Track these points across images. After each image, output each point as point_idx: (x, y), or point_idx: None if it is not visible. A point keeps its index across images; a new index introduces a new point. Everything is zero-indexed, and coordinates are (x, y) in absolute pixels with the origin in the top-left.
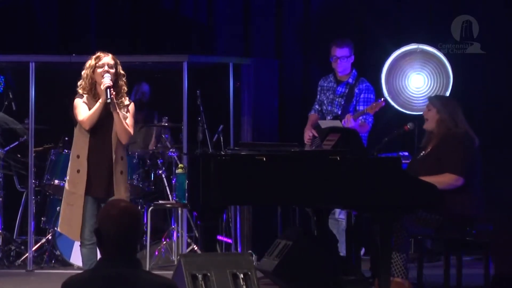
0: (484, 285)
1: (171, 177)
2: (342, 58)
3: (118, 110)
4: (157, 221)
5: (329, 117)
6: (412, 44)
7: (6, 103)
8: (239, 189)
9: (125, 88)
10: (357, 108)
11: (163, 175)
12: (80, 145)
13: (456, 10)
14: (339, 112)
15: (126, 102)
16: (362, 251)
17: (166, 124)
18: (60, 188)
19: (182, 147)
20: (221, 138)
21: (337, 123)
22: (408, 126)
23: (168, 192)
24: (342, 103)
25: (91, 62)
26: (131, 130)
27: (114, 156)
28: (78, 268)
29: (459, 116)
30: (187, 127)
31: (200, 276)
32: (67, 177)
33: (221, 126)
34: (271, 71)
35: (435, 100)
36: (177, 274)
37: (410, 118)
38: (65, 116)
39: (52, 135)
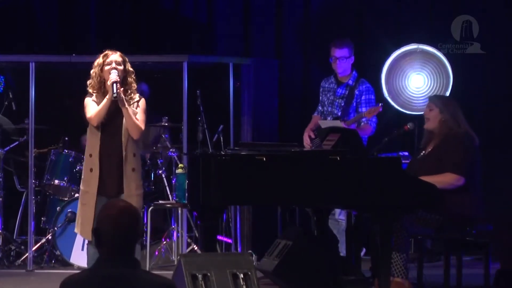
0: (484, 285)
1: (171, 177)
2: (341, 59)
3: (127, 106)
4: (157, 221)
5: (329, 118)
6: (412, 44)
7: (6, 103)
8: (239, 189)
9: (135, 85)
10: (359, 109)
11: (163, 175)
12: (92, 144)
13: (456, 10)
14: (339, 114)
15: (136, 98)
16: (363, 252)
17: (166, 124)
18: (60, 188)
19: (182, 147)
20: (221, 138)
21: (337, 123)
22: (408, 126)
23: (168, 192)
24: (342, 104)
25: (99, 60)
26: (141, 125)
27: (124, 153)
28: (78, 268)
29: (460, 116)
30: (187, 127)
31: (200, 276)
32: (82, 177)
33: (221, 126)
34: (271, 71)
35: (437, 100)
36: (177, 274)
37: (410, 118)
38: (65, 116)
39: (52, 135)
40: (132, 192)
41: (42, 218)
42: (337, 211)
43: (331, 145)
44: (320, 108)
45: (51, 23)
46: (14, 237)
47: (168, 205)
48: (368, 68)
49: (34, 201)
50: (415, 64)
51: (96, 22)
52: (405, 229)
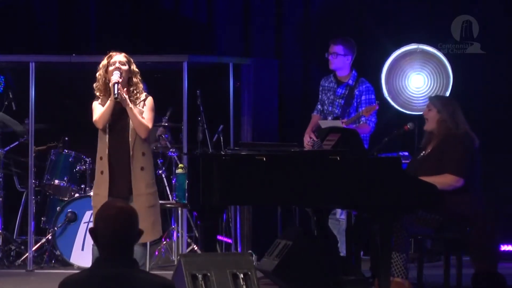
0: None
1: (171, 177)
2: (333, 55)
3: (131, 105)
4: None
5: (329, 118)
6: (412, 44)
7: (6, 103)
8: (239, 189)
9: (141, 85)
10: (359, 110)
11: (163, 175)
12: (101, 146)
13: (456, 10)
14: (339, 113)
15: (142, 97)
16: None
17: (166, 124)
18: (60, 188)
19: (182, 147)
20: (221, 138)
21: (337, 123)
22: (408, 126)
23: (168, 192)
24: (342, 104)
25: (103, 62)
26: (148, 124)
27: (131, 152)
28: (78, 268)
29: (460, 117)
30: (187, 127)
31: (200, 276)
32: (95, 180)
33: (221, 126)
34: (271, 71)
35: (436, 100)
36: (177, 274)
37: (410, 118)
38: (65, 116)
39: (52, 135)
40: (141, 191)
41: (42, 218)
42: (338, 210)
43: (331, 145)
44: (319, 107)
45: (51, 23)
46: (14, 237)
47: (168, 205)
48: (368, 68)
49: (34, 201)
50: (415, 64)
51: (96, 22)
52: (405, 229)
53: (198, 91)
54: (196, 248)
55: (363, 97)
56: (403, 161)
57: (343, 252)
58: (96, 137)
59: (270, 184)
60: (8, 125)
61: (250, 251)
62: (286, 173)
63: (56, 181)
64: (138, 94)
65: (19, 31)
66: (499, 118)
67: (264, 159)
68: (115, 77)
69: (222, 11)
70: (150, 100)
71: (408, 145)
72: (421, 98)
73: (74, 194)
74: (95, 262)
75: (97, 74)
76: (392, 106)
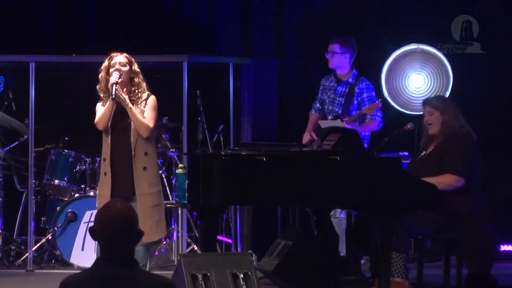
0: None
1: (171, 177)
2: (330, 53)
3: (130, 105)
4: None
5: (330, 117)
6: (412, 44)
7: (6, 103)
8: (239, 189)
9: (144, 85)
10: (362, 107)
11: (163, 175)
12: (105, 148)
13: (456, 10)
14: (340, 112)
15: (144, 96)
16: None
17: (166, 124)
18: (60, 188)
19: (182, 147)
20: (221, 138)
21: (337, 123)
22: (408, 126)
23: (168, 192)
24: (343, 102)
25: (105, 63)
26: (149, 123)
27: (133, 152)
28: (78, 268)
29: (460, 115)
30: (187, 127)
31: (200, 276)
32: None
33: (221, 126)
34: (271, 71)
35: (434, 102)
36: (177, 274)
37: (410, 118)
38: (65, 116)
39: (52, 135)
40: (144, 191)
41: (42, 218)
42: (338, 210)
43: (331, 145)
44: (318, 105)
45: (51, 23)
46: (14, 237)
47: (168, 205)
48: (368, 68)
49: (34, 201)
50: (415, 64)
51: (96, 22)
52: (405, 229)
53: (198, 91)
54: (196, 248)
55: (364, 95)
56: (403, 161)
57: (343, 252)
58: (97, 138)
59: (270, 184)
60: (9, 124)
61: (250, 251)
62: (286, 173)
63: (56, 181)
64: (140, 94)
65: (19, 31)
66: (499, 118)
67: (264, 159)
68: (113, 78)
69: (222, 11)
70: (152, 99)
71: (408, 145)
72: (421, 98)
73: (74, 194)
74: (96, 262)
75: (99, 76)
76: (392, 106)
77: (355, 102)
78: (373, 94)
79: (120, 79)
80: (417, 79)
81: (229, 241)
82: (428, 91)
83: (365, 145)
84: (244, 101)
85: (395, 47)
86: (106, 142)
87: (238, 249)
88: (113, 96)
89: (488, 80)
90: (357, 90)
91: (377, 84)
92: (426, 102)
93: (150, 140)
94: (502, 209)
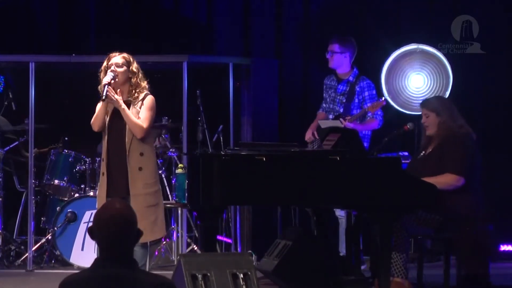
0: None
1: (171, 177)
2: (329, 52)
3: (123, 106)
4: None
5: (330, 115)
6: (412, 44)
7: (6, 103)
8: (239, 189)
9: (142, 85)
10: (363, 106)
11: (163, 175)
12: (103, 148)
13: (456, 10)
14: (341, 110)
15: (141, 96)
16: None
17: (166, 124)
18: (60, 188)
19: (182, 147)
20: (221, 138)
21: (337, 123)
22: (408, 126)
23: (168, 192)
24: (343, 101)
25: (104, 64)
26: (142, 123)
27: (128, 153)
28: (78, 268)
29: (457, 114)
30: (187, 127)
31: (200, 276)
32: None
33: (221, 126)
34: (271, 71)
35: (430, 104)
36: (177, 274)
37: (410, 118)
38: (65, 116)
39: (52, 135)
40: (139, 191)
41: (42, 218)
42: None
43: (331, 145)
44: (324, 105)
45: (51, 23)
46: (14, 237)
47: (168, 205)
48: (368, 68)
49: (34, 201)
50: (415, 64)
51: (96, 22)
52: (405, 229)
53: (198, 91)
54: (196, 248)
55: (366, 93)
56: (403, 161)
57: (343, 252)
58: (97, 138)
59: (270, 184)
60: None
61: (250, 251)
62: (286, 173)
63: (56, 181)
64: (137, 94)
65: (19, 31)
66: (499, 118)
67: (264, 159)
68: (106, 79)
69: (222, 11)
70: (149, 99)
71: (408, 145)
72: (421, 98)
73: (74, 194)
74: (95, 262)
75: (100, 76)
76: (392, 106)
77: (356, 100)
78: (374, 92)
79: (113, 80)
80: (417, 79)
81: (229, 241)
82: (428, 91)
83: (366, 144)
84: (244, 101)
85: (395, 47)
86: (104, 143)
87: (238, 249)
88: (103, 97)
89: (488, 80)
90: (358, 89)
91: (377, 84)
92: (422, 104)
93: (146, 140)
94: (502, 209)
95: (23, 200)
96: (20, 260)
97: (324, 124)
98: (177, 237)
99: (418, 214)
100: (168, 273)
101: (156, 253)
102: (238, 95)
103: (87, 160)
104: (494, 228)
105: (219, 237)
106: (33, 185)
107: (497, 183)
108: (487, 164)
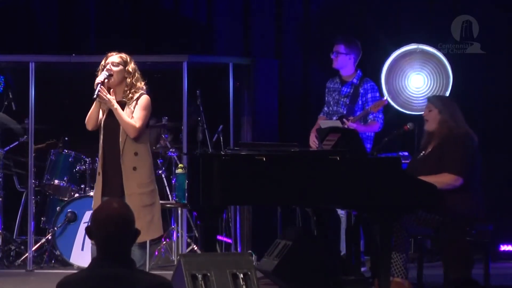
0: (484, 285)
1: (171, 177)
2: (334, 53)
3: (116, 106)
4: None
5: (334, 117)
6: (412, 44)
7: (6, 103)
8: (239, 189)
9: (139, 85)
10: (366, 108)
11: (163, 175)
12: (100, 148)
13: (456, 10)
14: (344, 112)
15: (136, 96)
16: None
17: (166, 124)
18: (60, 188)
19: (182, 147)
20: (221, 138)
21: (337, 123)
22: (408, 126)
23: (168, 192)
24: (347, 102)
25: (102, 63)
26: (135, 123)
27: (121, 152)
28: (78, 268)
29: (459, 116)
30: (187, 127)
31: (200, 276)
32: None
33: (221, 126)
34: (271, 71)
35: (436, 101)
36: (177, 274)
37: (410, 118)
38: (65, 116)
39: (52, 135)
40: (133, 190)
41: (42, 218)
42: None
43: (331, 145)
44: (326, 109)
45: (51, 23)
46: (14, 237)
47: (168, 205)
48: (368, 68)
49: (34, 201)
50: (415, 64)
51: (96, 22)
52: (405, 229)
53: (198, 91)
54: (196, 248)
55: (369, 95)
56: (403, 161)
57: (344, 250)
58: (97, 138)
59: (270, 184)
60: (6, 124)
61: (250, 251)
62: (286, 173)
63: (56, 181)
64: (131, 95)
65: (19, 31)
66: (499, 118)
67: (264, 159)
68: (99, 78)
69: (222, 11)
70: (143, 98)
71: (408, 145)
72: (421, 98)
73: (74, 194)
74: (93, 262)
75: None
76: (392, 106)
77: (360, 102)
78: (377, 94)
79: (107, 80)
80: (417, 79)
81: (229, 241)
82: (428, 91)
83: (369, 145)
84: (244, 101)
85: (395, 47)
86: (100, 142)
87: (238, 249)
88: (94, 96)
89: (488, 80)
90: (361, 91)
91: (377, 84)
92: (429, 98)
93: (140, 140)
94: (502, 209)
95: (23, 200)
96: (20, 260)
97: (325, 124)
98: (177, 237)
99: (418, 214)
100: (168, 273)
101: (156, 253)
102: (238, 95)
103: (87, 160)
104: (494, 228)
105: (219, 237)
106: (33, 185)
107: (497, 183)
108: (487, 164)
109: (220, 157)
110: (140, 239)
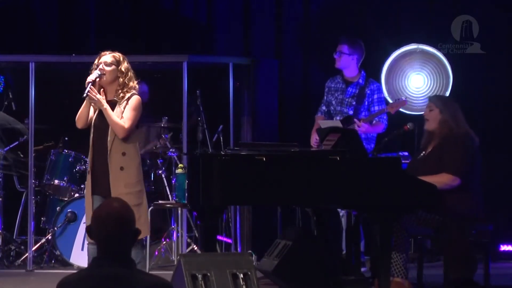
0: (484, 285)
1: (171, 177)
2: (337, 53)
3: (105, 106)
4: (157, 221)
5: (338, 117)
6: (412, 44)
7: (6, 103)
8: (239, 189)
9: (131, 85)
10: (371, 109)
11: (163, 175)
12: (90, 147)
13: (456, 10)
14: (350, 113)
15: (127, 96)
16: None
17: (166, 124)
18: (60, 188)
19: (182, 147)
20: (221, 138)
21: (337, 123)
22: (408, 126)
23: (168, 192)
24: (353, 103)
25: (95, 62)
26: (124, 123)
27: (109, 152)
28: (78, 268)
29: (460, 116)
30: (187, 127)
31: (200, 276)
32: None
33: (221, 126)
34: (271, 71)
35: (437, 100)
36: (177, 274)
37: (410, 118)
38: (65, 116)
39: (52, 135)
40: (120, 191)
41: (42, 218)
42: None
43: (331, 145)
44: (324, 108)
45: (51, 23)
46: (14, 237)
47: (168, 205)
48: (368, 68)
49: (34, 201)
50: (415, 64)
51: (96, 22)
52: (405, 229)
53: (198, 91)
54: (196, 248)
55: (375, 96)
56: (403, 161)
57: (345, 249)
58: None
59: (270, 184)
60: (10, 124)
61: (250, 251)
62: (286, 173)
63: (56, 181)
64: (123, 94)
65: (19, 31)
66: (499, 118)
67: (264, 159)
68: (90, 77)
69: (222, 11)
70: (134, 99)
71: (408, 145)
72: (421, 98)
73: (74, 194)
74: (93, 261)
75: None
76: None
77: (366, 103)
78: (382, 95)
79: (98, 79)
80: (417, 79)
81: (229, 241)
82: (428, 91)
83: (372, 146)
84: (244, 101)
85: (395, 47)
86: (90, 141)
87: (238, 249)
88: (84, 95)
89: (488, 80)
90: (368, 91)
91: None
92: (431, 98)
93: (129, 140)
94: (502, 209)
95: (23, 200)
96: (20, 260)
97: (325, 124)
98: (177, 237)
99: (418, 214)
100: (168, 273)
101: (156, 253)
102: (238, 95)
103: (87, 160)
104: (494, 228)
105: (219, 237)
106: (33, 185)
107: (497, 183)
108: (487, 164)
109: (220, 157)
110: None
